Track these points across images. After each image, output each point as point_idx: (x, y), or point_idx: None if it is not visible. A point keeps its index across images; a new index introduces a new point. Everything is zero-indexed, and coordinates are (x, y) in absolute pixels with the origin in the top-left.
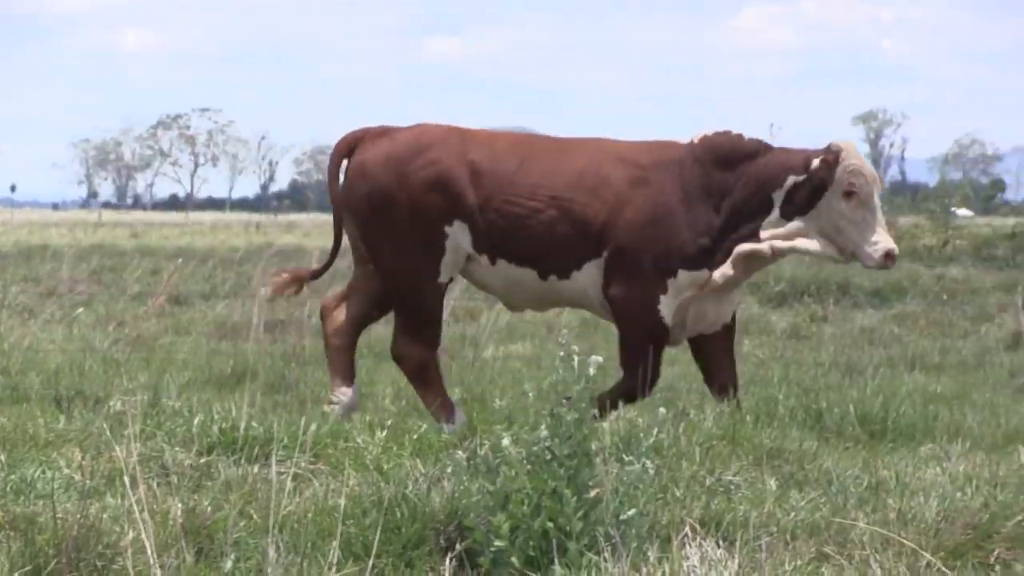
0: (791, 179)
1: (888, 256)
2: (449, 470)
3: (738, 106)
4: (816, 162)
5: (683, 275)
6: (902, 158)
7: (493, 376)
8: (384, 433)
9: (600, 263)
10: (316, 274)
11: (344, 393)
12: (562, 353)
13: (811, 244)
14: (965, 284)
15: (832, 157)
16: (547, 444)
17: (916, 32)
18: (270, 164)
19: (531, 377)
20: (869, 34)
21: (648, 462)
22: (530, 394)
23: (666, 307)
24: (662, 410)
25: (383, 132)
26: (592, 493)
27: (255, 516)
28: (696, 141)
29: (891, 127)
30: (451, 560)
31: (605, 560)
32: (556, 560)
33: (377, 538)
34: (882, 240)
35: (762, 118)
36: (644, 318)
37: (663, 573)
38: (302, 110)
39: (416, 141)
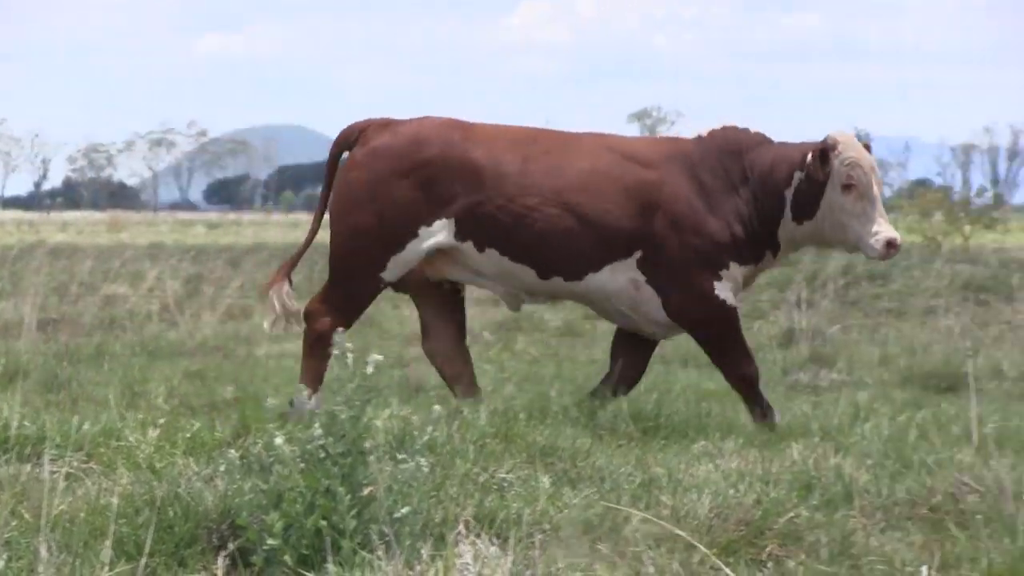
0: (797, 175)
1: (890, 245)
2: (222, 469)
3: (514, 102)
4: (809, 157)
5: (733, 266)
6: None
7: (267, 374)
8: (157, 432)
9: (624, 268)
10: (293, 263)
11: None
12: (336, 351)
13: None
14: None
15: (821, 151)
16: (321, 442)
17: (689, 30)
18: (43, 162)
19: None
20: (643, 32)
21: (422, 460)
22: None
23: (723, 291)
24: (437, 408)
25: (386, 124)
26: (366, 491)
27: (27, 515)
28: (705, 135)
29: (665, 124)
30: (224, 559)
31: (379, 558)
32: (329, 558)
33: (150, 537)
34: (883, 230)
35: (537, 114)
36: (711, 313)
37: (436, 571)
38: (76, 108)
39: (417, 137)
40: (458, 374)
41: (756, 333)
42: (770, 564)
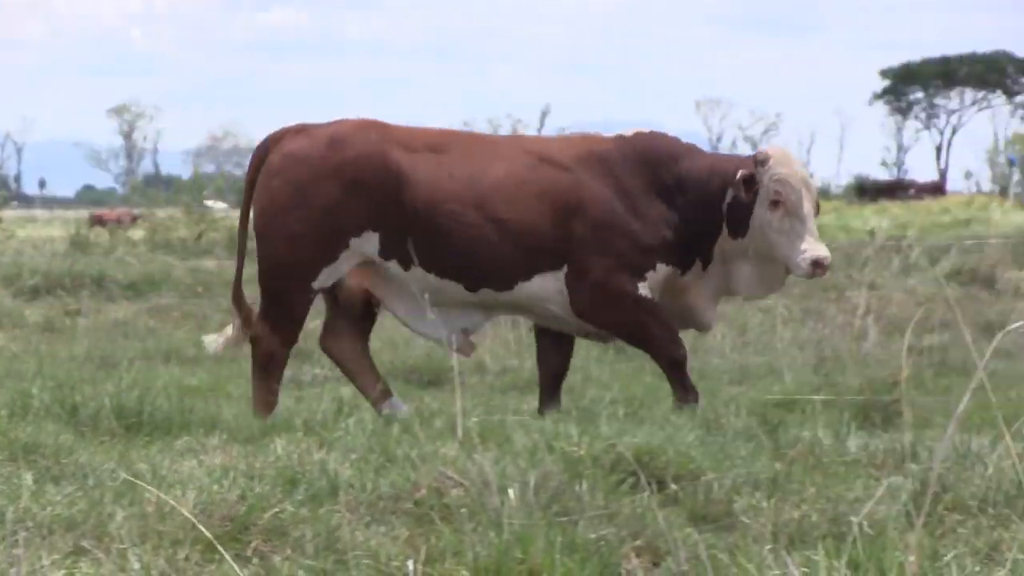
0: (730, 192)
1: (817, 264)
2: None
3: None
4: (738, 175)
5: (660, 266)
6: (156, 151)
7: None
8: None
9: (555, 276)
10: (237, 288)
11: (395, 405)
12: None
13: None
14: (220, 276)
15: (746, 176)
16: None
17: (166, 23)
18: None
19: None
20: (119, 25)
21: None
22: None
23: (645, 290)
24: None
25: (301, 130)
26: None
27: None
28: (629, 135)
29: (145, 119)
30: None
31: None
32: None
33: None
34: (811, 248)
35: (12, 110)
36: (635, 312)
37: None
38: None
39: (334, 139)
40: (360, 371)
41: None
42: (256, 560)
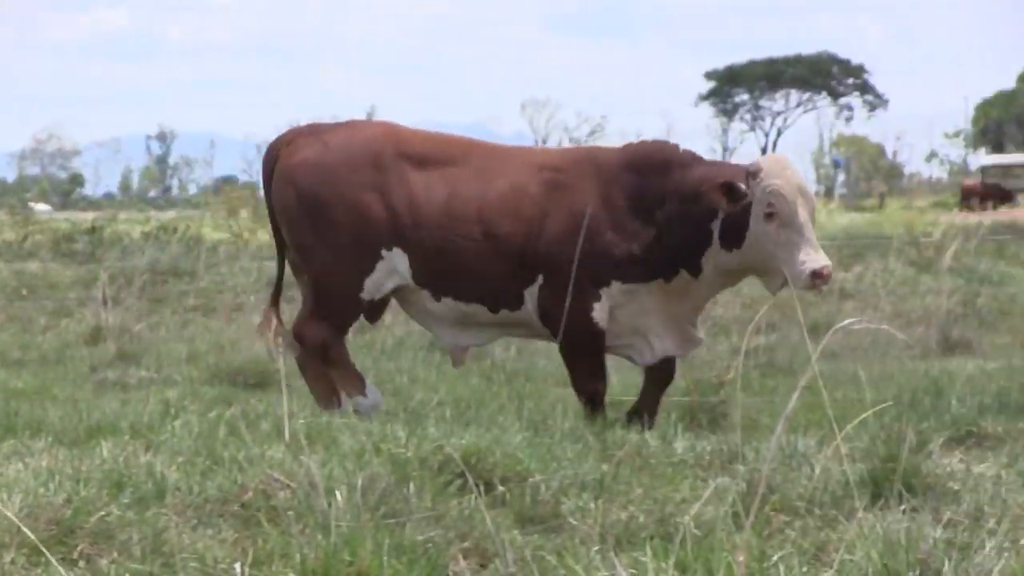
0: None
1: (816, 275)
2: None
3: None
4: (713, 184)
5: (615, 284)
6: None
7: None
8: None
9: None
10: (276, 293)
11: (366, 395)
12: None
13: None
14: (44, 279)
15: (727, 186)
16: None
17: None
18: None
19: None
20: None
21: None
22: None
23: (599, 310)
24: None
25: (312, 132)
26: None
27: None
28: (634, 145)
29: None
30: None
31: None
32: None
33: None
34: (809, 259)
35: None
36: (581, 329)
37: None
38: None
39: (348, 147)
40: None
41: (63, 331)
42: (82, 563)
